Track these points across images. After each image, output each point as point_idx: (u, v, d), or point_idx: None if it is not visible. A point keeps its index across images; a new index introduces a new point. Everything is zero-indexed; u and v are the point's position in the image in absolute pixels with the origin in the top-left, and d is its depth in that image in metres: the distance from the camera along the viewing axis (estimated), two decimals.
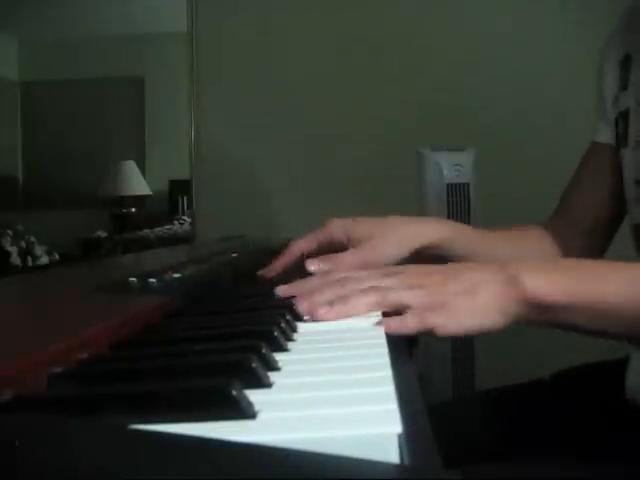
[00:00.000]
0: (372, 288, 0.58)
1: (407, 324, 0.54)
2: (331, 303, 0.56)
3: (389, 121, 2.08)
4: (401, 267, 0.64)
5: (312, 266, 0.70)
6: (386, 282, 0.59)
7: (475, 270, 0.60)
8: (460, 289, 0.58)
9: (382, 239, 0.78)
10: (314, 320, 0.55)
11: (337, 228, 0.79)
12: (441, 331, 0.55)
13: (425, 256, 0.80)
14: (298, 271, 0.73)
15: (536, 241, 0.92)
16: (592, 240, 0.92)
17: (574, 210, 0.94)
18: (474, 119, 2.03)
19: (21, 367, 0.32)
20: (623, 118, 0.86)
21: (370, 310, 0.56)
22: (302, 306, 0.56)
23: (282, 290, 0.63)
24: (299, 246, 0.79)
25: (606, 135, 0.91)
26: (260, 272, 0.80)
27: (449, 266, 0.63)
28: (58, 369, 0.35)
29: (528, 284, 0.58)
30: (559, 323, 0.61)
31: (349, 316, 0.56)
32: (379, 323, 0.53)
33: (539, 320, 0.60)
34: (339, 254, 0.75)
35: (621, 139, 0.86)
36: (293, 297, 0.59)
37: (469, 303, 0.57)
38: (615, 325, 0.60)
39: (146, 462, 0.21)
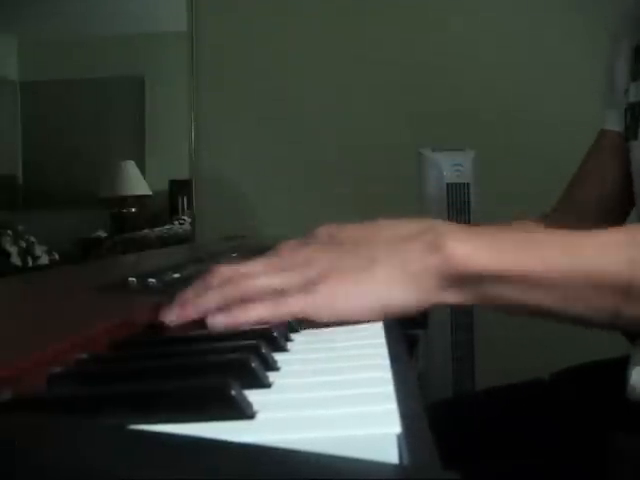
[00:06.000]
0: (265, 300, 0.49)
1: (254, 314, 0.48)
2: (222, 309, 0.49)
3: (389, 121, 2.08)
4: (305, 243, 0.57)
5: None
6: (280, 280, 0.51)
7: (385, 241, 0.52)
8: (352, 265, 0.50)
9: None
10: (211, 327, 0.48)
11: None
12: (313, 317, 0.49)
13: None
14: None
15: None
16: None
17: (580, 202, 0.93)
18: (474, 119, 2.03)
19: (21, 367, 0.32)
20: (632, 110, 0.85)
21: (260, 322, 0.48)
22: (183, 312, 0.49)
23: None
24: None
25: (615, 123, 0.90)
26: None
27: (364, 230, 0.55)
28: (58, 369, 0.35)
29: (453, 251, 0.49)
30: (491, 301, 0.51)
31: (239, 327, 0.48)
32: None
33: (467, 299, 0.51)
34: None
35: (630, 132, 0.85)
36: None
37: (349, 284, 0.50)
38: (556, 300, 0.50)
39: (146, 462, 0.21)
